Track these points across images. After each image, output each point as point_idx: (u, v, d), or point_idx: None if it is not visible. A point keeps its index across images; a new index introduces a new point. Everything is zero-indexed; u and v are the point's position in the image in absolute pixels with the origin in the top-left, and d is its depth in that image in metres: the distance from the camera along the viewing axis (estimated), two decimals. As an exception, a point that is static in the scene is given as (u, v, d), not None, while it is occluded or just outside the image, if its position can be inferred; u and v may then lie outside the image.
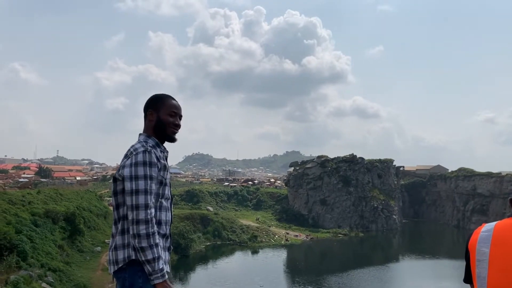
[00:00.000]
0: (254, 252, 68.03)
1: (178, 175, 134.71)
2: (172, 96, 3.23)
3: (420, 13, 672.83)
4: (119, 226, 2.93)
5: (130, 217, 2.78)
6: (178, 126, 3.18)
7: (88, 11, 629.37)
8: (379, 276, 56.46)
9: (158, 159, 2.94)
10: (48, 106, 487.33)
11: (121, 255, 2.87)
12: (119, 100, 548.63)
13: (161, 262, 2.80)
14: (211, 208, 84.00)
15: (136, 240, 2.75)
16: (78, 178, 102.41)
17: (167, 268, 2.91)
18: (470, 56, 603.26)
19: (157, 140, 3.09)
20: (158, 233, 2.89)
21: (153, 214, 2.81)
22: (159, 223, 2.94)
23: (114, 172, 3.01)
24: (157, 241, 2.81)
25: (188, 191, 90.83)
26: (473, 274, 2.00)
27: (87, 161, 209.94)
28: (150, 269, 2.76)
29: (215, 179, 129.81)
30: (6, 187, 60.28)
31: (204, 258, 62.73)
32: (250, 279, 52.43)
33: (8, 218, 31.96)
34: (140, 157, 2.85)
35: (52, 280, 29.71)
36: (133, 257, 2.82)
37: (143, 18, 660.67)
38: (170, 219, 3.09)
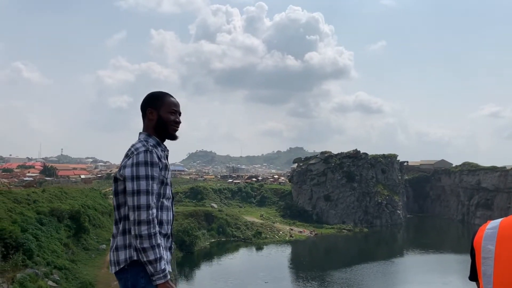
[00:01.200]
0: (259, 248, 68.16)
1: (182, 173, 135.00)
2: (170, 93, 3.19)
3: (423, 7, 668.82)
4: (120, 226, 2.90)
5: (131, 218, 2.75)
6: (179, 123, 3.15)
7: (89, 9, 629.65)
8: (383, 271, 56.48)
9: (159, 158, 2.90)
10: (51, 105, 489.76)
11: (122, 255, 2.85)
12: (122, 98, 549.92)
13: (163, 262, 2.77)
14: (215, 205, 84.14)
15: (138, 241, 2.72)
16: (82, 176, 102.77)
17: (169, 268, 2.89)
18: (474, 50, 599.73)
19: (157, 139, 3.05)
20: (160, 233, 2.86)
21: (154, 214, 2.78)
22: (160, 223, 2.91)
23: None
24: (159, 241, 2.78)
25: (192, 188, 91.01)
26: (479, 272, 1.96)
27: (91, 159, 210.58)
28: (152, 269, 2.74)
29: (219, 176, 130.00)
30: (11, 186, 60.57)
31: (209, 255, 62.95)
32: (255, 275, 52.56)
33: (13, 217, 32.10)
34: (141, 157, 2.81)
35: (58, 278, 29.86)
36: (135, 258, 2.79)
37: (144, 16, 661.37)
38: (171, 218, 3.06)
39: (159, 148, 3.00)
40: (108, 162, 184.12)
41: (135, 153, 2.85)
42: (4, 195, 36.93)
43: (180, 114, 3.17)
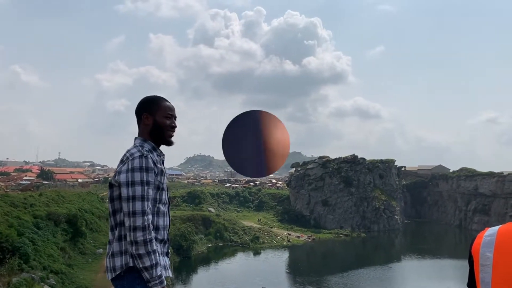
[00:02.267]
0: (256, 253, 67.97)
1: (180, 177, 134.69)
2: (169, 97, 3.17)
3: (421, 12, 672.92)
4: (116, 232, 2.87)
5: (127, 224, 2.72)
6: (175, 127, 3.11)
7: (88, 13, 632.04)
8: (380, 276, 56.36)
9: (154, 163, 2.86)
10: (49, 108, 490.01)
11: (118, 262, 2.82)
12: (120, 102, 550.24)
13: (159, 268, 2.74)
14: (212, 210, 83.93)
15: (134, 247, 2.69)
16: (79, 180, 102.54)
17: (167, 274, 2.86)
18: (472, 55, 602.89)
19: (153, 144, 3.02)
20: (156, 238, 2.83)
21: (150, 220, 2.75)
22: (157, 228, 2.88)
23: None
24: (155, 247, 2.75)
25: (190, 193, 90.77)
26: (477, 279, 1.95)
27: (88, 163, 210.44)
28: (148, 276, 2.71)
29: (217, 180, 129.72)
30: (8, 190, 60.33)
31: (206, 260, 62.70)
32: (252, 280, 52.36)
33: (10, 220, 31.95)
34: (136, 163, 2.78)
35: (54, 283, 29.66)
36: (131, 264, 2.76)
37: (143, 20, 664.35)
38: (168, 224, 3.03)
39: (155, 153, 2.97)
40: (106, 166, 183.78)
41: (130, 158, 2.82)
42: (0, 199, 36.81)
43: (175, 118, 3.14)
